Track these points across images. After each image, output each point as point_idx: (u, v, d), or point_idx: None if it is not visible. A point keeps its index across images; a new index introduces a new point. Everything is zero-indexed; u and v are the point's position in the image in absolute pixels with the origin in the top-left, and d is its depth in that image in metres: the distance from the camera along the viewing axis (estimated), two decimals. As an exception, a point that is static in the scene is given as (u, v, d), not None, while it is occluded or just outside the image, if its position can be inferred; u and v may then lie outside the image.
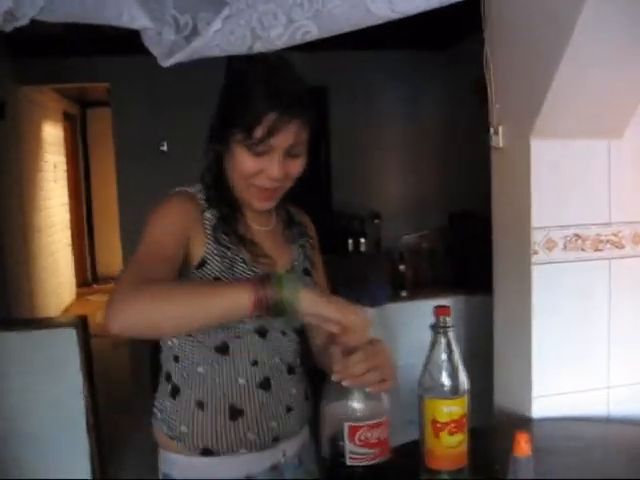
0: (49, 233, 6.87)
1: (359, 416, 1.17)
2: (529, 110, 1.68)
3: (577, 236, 1.74)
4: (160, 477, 1.46)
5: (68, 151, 8.19)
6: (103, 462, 3.23)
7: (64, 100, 7.94)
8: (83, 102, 8.71)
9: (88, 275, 8.83)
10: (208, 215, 1.38)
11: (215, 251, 1.36)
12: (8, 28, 1.63)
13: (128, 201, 5.81)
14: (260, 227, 1.48)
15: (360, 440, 1.16)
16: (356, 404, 1.18)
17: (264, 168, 1.34)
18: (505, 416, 1.77)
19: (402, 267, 3.62)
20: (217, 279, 1.33)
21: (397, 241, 4.91)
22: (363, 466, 1.16)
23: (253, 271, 1.37)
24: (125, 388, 4.78)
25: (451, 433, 1.28)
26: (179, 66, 1.75)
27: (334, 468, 1.19)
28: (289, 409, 1.44)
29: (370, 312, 3.11)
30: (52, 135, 7.40)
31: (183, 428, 1.39)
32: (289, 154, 1.35)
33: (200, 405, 1.39)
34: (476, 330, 2.94)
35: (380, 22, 1.75)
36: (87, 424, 3.09)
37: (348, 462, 1.16)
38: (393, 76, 6.04)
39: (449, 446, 1.29)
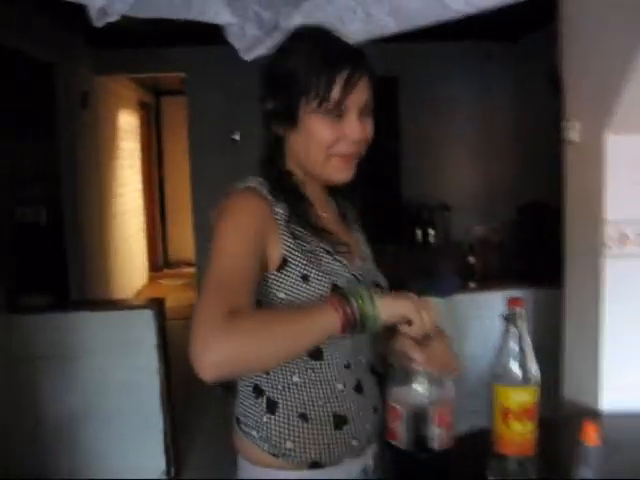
0: (123, 219, 7.10)
1: (436, 400, 1.20)
2: (605, 105, 1.68)
3: (651, 231, 1.74)
4: None
5: (143, 139, 8.42)
6: (176, 442, 3.35)
7: (140, 89, 8.15)
8: (158, 91, 8.94)
9: (160, 260, 9.08)
10: (278, 210, 1.28)
11: (294, 247, 1.27)
12: (100, 23, 1.73)
13: (201, 188, 5.96)
14: (327, 214, 1.41)
15: (445, 423, 1.19)
16: (427, 389, 1.21)
17: (343, 132, 1.28)
18: (573, 408, 1.78)
19: (471, 258, 3.62)
20: (305, 277, 1.25)
21: (466, 233, 4.90)
22: (443, 451, 1.19)
23: (338, 260, 1.31)
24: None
25: (521, 421, 1.32)
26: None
27: (418, 453, 1.20)
28: (375, 409, 1.38)
29: (437, 303, 3.13)
30: (128, 123, 7.62)
31: (289, 444, 1.29)
32: (362, 114, 1.30)
33: (303, 417, 1.29)
34: (543, 323, 2.93)
35: (456, 17, 1.78)
36: (162, 404, 3.20)
37: (436, 447, 1.19)
38: (463, 67, 6.00)
39: (518, 433, 1.32)
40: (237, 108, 5.62)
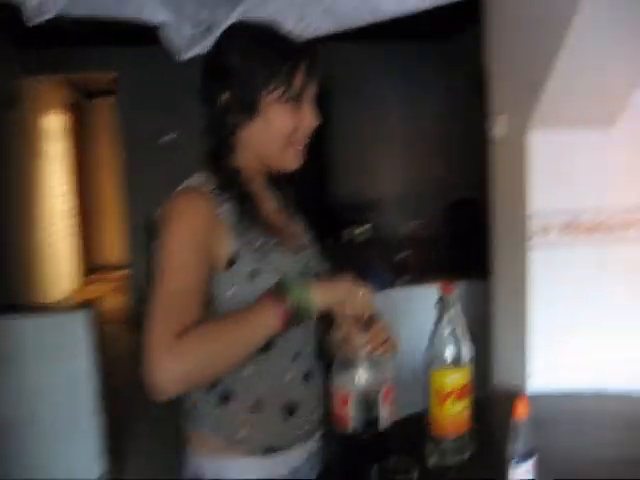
0: (51, 222, 6.95)
1: (381, 380, 1.25)
2: (528, 101, 1.78)
3: (571, 221, 1.84)
4: None
5: (73, 140, 8.25)
6: (117, 445, 3.34)
7: (68, 89, 7.98)
8: (87, 92, 8.74)
9: (90, 263, 8.90)
10: (223, 209, 1.27)
11: (241, 245, 1.27)
12: (34, 22, 1.72)
13: (134, 191, 5.88)
14: (270, 206, 1.43)
15: (391, 402, 1.25)
16: (372, 371, 1.26)
17: (301, 120, 1.33)
18: (502, 390, 1.86)
19: (403, 254, 3.71)
20: (253, 274, 1.27)
21: (397, 229, 5.02)
22: (388, 428, 1.25)
23: (284, 254, 1.33)
24: (135, 373, 4.86)
25: (455, 400, 1.38)
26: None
27: (367, 434, 1.24)
28: (320, 396, 1.43)
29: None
30: (57, 124, 7.46)
31: (242, 432, 1.33)
32: (313, 103, 1.36)
33: (256, 407, 1.33)
34: (473, 314, 3.04)
35: (389, 17, 1.85)
36: (96, 408, 3.17)
37: (382, 425, 1.24)
38: (392, 67, 6.13)
39: (453, 413, 1.39)
40: (172, 107, 5.58)
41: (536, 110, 1.76)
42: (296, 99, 1.31)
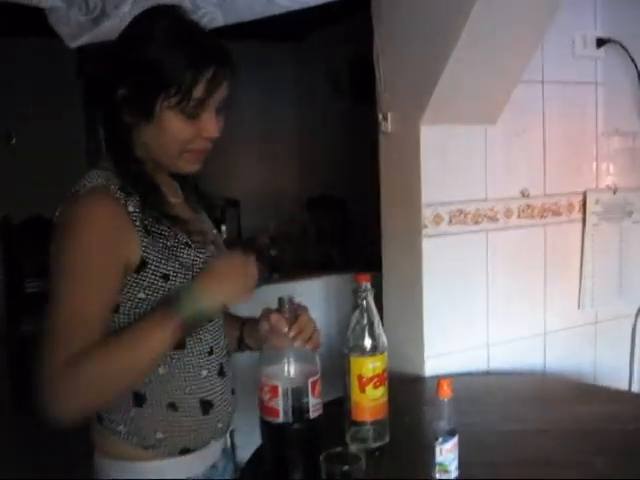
0: None
1: (308, 372, 1.27)
2: (419, 99, 1.86)
3: (460, 211, 1.95)
4: None
5: None
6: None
7: None
8: None
9: None
10: (131, 208, 1.21)
11: (152, 246, 1.22)
12: None
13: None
14: (176, 200, 1.38)
15: (318, 393, 1.27)
16: (300, 363, 1.28)
17: (199, 129, 1.25)
18: (400, 376, 1.93)
19: (273, 251, 3.74)
20: (165, 276, 1.23)
21: (258, 229, 5.02)
22: (317, 418, 1.27)
23: (195, 251, 1.28)
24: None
25: (375, 386, 1.42)
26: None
27: (297, 424, 1.26)
28: (232, 391, 1.42)
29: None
30: None
31: (159, 435, 1.28)
32: (218, 110, 1.27)
33: (172, 406, 1.29)
34: (341, 306, 3.14)
35: (282, 11, 1.86)
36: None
37: (312, 416, 1.26)
38: (248, 66, 6.12)
39: (373, 398, 1.43)
40: (12, 103, 5.23)
41: (427, 108, 1.85)
42: (194, 109, 1.22)
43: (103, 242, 1.17)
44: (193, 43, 1.22)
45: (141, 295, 1.23)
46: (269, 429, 1.28)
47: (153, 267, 1.22)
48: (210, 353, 1.35)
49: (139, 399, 1.28)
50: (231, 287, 1.22)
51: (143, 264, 1.21)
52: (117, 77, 1.24)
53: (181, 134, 1.24)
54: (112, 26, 1.72)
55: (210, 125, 1.25)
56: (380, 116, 2.03)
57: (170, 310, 1.15)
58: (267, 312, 1.36)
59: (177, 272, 1.24)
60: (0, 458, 3.50)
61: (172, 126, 1.23)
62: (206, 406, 1.33)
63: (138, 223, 1.21)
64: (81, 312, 1.14)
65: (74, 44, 1.71)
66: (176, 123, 1.23)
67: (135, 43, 1.24)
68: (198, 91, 1.20)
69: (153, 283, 1.22)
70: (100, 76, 1.29)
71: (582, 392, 1.89)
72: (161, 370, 1.28)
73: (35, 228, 4.43)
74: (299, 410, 1.25)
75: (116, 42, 1.29)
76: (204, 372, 1.33)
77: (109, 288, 1.19)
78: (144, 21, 1.28)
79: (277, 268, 3.72)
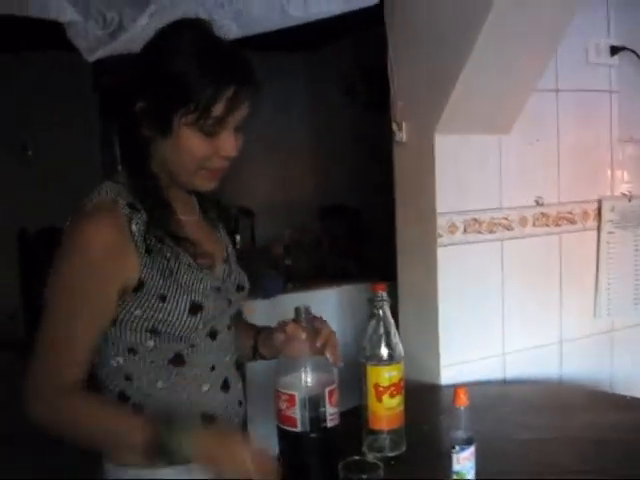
0: None
1: (325, 382, 1.27)
2: (433, 109, 1.88)
3: (475, 220, 1.96)
4: None
5: None
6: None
7: None
8: None
9: None
10: (135, 227, 1.20)
11: (151, 267, 1.21)
12: None
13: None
14: (188, 217, 1.35)
15: (335, 402, 1.27)
16: (317, 373, 1.28)
17: (217, 148, 1.22)
18: (417, 385, 1.93)
19: (288, 261, 3.75)
20: (162, 297, 1.22)
21: (272, 237, 5.03)
22: (334, 427, 1.27)
23: (198, 274, 1.27)
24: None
25: (392, 395, 1.43)
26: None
27: (314, 433, 1.25)
28: (240, 403, 1.41)
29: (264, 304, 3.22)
30: None
31: None
32: (237, 129, 1.25)
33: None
34: (356, 316, 3.13)
35: (296, 23, 1.88)
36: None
37: (329, 425, 1.26)
38: (260, 76, 6.15)
39: (390, 407, 1.43)
40: (29, 115, 5.29)
41: (442, 117, 1.86)
42: (213, 127, 1.20)
43: (98, 266, 1.17)
44: (218, 59, 1.20)
45: (137, 312, 1.22)
46: (287, 438, 1.28)
47: (150, 288, 1.21)
48: (213, 369, 1.34)
49: (138, 411, 1.27)
50: (223, 453, 1.18)
51: (141, 284, 1.21)
52: (137, 89, 1.23)
53: (198, 151, 1.22)
54: (129, 39, 1.75)
55: (228, 144, 1.23)
56: (394, 126, 2.04)
57: (154, 430, 1.14)
58: (282, 324, 1.36)
59: (175, 294, 1.23)
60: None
61: (189, 143, 1.21)
62: (207, 420, 1.31)
63: (139, 242, 1.20)
64: (67, 332, 1.19)
65: (92, 58, 1.73)
66: (194, 140, 1.21)
67: (160, 55, 1.22)
68: (218, 109, 1.18)
69: (150, 303, 1.22)
70: (119, 88, 1.30)
71: (599, 400, 1.89)
72: (160, 384, 1.27)
73: (49, 238, 4.47)
74: (316, 419, 1.25)
75: (139, 54, 1.28)
76: (205, 387, 1.32)
77: (99, 310, 1.20)
78: (170, 34, 1.25)
79: (292, 278, 3.74)
